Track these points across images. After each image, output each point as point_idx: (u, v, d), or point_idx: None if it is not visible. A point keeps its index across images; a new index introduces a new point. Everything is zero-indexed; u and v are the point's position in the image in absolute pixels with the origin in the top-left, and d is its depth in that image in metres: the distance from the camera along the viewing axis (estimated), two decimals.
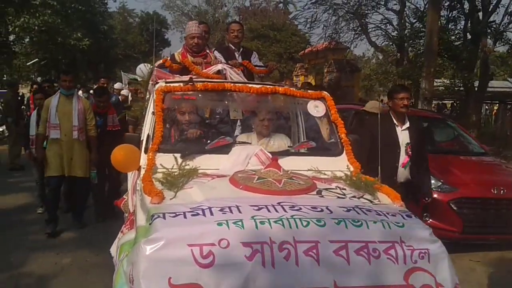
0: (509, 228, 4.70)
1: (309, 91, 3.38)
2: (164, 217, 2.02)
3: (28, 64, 20.42)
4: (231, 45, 4.63)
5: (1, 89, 20.22)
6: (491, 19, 12.47)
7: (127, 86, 9.15)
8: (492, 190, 4.75)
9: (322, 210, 2.17)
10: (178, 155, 2.78)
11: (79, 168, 4.94)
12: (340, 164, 2.99)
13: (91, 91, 23.05)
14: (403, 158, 3.89)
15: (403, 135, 3.91)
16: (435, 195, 4.45)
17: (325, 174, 2.87)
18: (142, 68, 4.56)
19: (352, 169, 2.95)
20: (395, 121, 3.92)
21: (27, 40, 18.70)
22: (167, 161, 2.71)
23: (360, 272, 2.00)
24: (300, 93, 3.31)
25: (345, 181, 2.77)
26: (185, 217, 2.03)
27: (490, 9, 12.22)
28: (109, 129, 5.22)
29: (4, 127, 11.72)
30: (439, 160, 4.99)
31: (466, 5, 12.81)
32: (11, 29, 14.44)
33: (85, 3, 21.88)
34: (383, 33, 15.66)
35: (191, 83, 3.07)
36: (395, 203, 2.53)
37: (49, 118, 4.82)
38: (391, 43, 15.77)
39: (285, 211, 2.11)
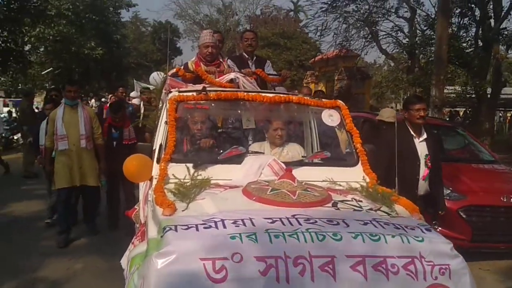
0: None
1: (323, 99, 3.32)
2: (176, 230, 1.98)
3: (42, 73, 20.75)
4: (244, 54, 4.60)
5: (16, 97, 20.61)
6: (503, 25, 12.39)
7: (139, 94, 9.19)
8: (501, 198, 4.71)
9: (338, 223, 2.11)
10: (190, 165, 2.74)
11: (89, 177, 4.94)
12: (356, 175, 2.92)
13: (103, 99, 23.32)
14: (423, 170, 3.81)
15: (421, 147, 3.83)
16: None
17: (340, 185, 2.81)
18: (155, 77, 4.56)
19: (368, 180, 2.88)
20: (412, 133, 3.84)
21: (42, 49, 19.01)
22: (179, 171, 2.68)
23: None
24: (314, 102, 3.26)
25: (361, 192, 2.70)
26: (197, 229, 1.98)
27: (501, 16, 12.10)
28: (125, 143, 5.16)
29: (19, 135, 11.91)
30: (448, 168, 4.92)
31: (477, 12, 12.70)
32: (26, 39, 14.69)
33: (99, 13, 22.21)
34: (394, 40, 15.59)
35: (205, 92, 3.04)
36: (414, 216, 2.46)
37: (55, 130, 4.80)
38: (401, 50, 15.67)
39: (300, 224, 2.05)
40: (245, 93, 3.17)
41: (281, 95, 3.26)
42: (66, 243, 4.91)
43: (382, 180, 2.92)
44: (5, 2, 11.72)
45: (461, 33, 13.43)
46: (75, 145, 4.82)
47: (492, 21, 12.29)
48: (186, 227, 2.00)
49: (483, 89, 11.92)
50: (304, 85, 17.28)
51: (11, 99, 22.22)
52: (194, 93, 3.09)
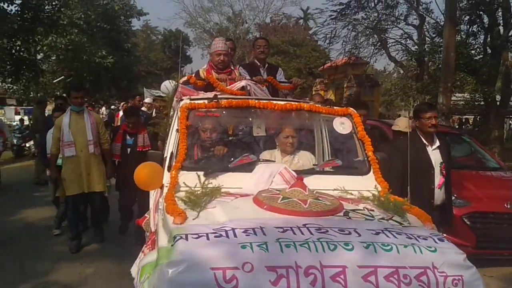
0: None
1: (334, 107, 3.31)
2: (186, 239, 1.97)
3: (54, 81, 21.00)
4: (256, 61, 4.59)
5: (27, 106, 20.89)
6: None
7: (152, 102, 9.21)
8: (505, 205, 4.71)
9: (349, 233, 2.08)
10: (201, 173, 2.74)
11: (97, 183, 4.95)
12: (368, 184, 2.89)
13: (112, 107, 23.44)
14: (438, 179, 3.76)
15: (434, 155, 3.77)
16: None
17: (351, 194, 2.78)
18: (167, 85, 4.57)
19: (380, 188, 2.85)
20: (424, 141, 3.78)
21: (53, 58, 19.26)
22: (190, 179, 2.68)
23: None
24: (326, 110, 3.25)
25: (373, 201, 2.67)
26: (208, 238, 1.98)
27: (510, 23, 11.99)
28: (139, 149, 5.08)
29: (31, 142, 12.06)
30: (453, 175, 4.90)
31: (486, 19, 12.63)
32: (39, 48, 14.92)
33: (110, 21, 22.45)
34: (403, 48, 15.54)
35: (216, 100, 3.04)
36: (426, 226, 2.42)
37: (62, 137, 4.80)
38: (410, 58, 15.61)
39: (311, 233, 2.04)
40: (256, 101, 3.16)
41: (292, 102, 3.24)
42: (78, 249, 4.97)
43: (398, 191, 2.89)
44: (19, 12, 11.94)
45: (469, 40, 13.35)
46: (82, 151, 4.84)
47: (501, 28, 12.21)
48: (197, 236, 1.99)
49: (492, 96, 11.83)
50: (314, 92, 17.28)
51: (23, 107, 22.54)
52: (206, 101, 3.09)
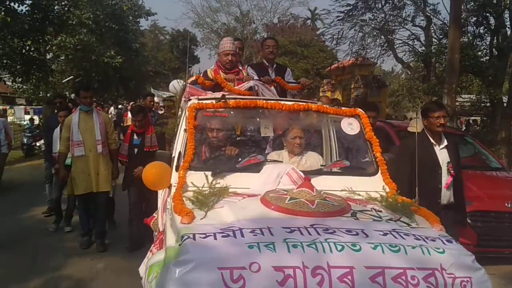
0: None
1: (342, 108, 3.30)
2: (194, 238, 1.99)
3: (63, 81, 21.18)
4: (265, 61, 4.58)
5: (36, 105, 21.08)
6: None
7: (162, 102, 9.25)
8: (506, 204, 4.81)
9: (357, 234, 2.08)
10: (209, 173, 2.75)
11: (105, 183, 4.99)
12: (375, 184, 2.89)
13: (120, 106, 23.53)
14: (445, 178, 3.71)
15: (442, 154, 3.74)
16: None
17: (359, 194, 2.78)
18: (175, 85, 4.58)
19: (387, 189, 2.84)
20: (432, 140, 3.75)
21: (62, 58, 19.42)
22: (198, 179, 2.69)
23: None
24: (334, 110, 3.24)
25: (380, 202, 2.66)
26: (215, 238, 1.99)
27: None
28: (146, 149, 4.96)
29: (42, 141, 12.19)
30: None
31: (492, 21, 12.52)
32: (48, 48, 15.06)
33: (119, 22, 22.59)
34: (410, 49, 15.44)
35: (224, 100, 3.05)
36: (435, 227, 2.41)
37: (71, 136, 4.84)
38: (417, 59, 15.51)
39: (318, 234, 2.04)
40: (264, 101, 3.16)
41: (300, 103, 3.24)
42: (89, 245, 5.09)
43: (406, 190, 2.88)
44: (29, 12, 12.07)
45: (476, 42, 13.25)
46: (91, 151, 4.88)
47: (508, 29, 12.11)
48: (204, 235, 2.00)
49: (498, 97, 11.74)
50: (321, 94, 17.24)
51: (32, 106, 22.75)
52: (213, 101, 3.11)
